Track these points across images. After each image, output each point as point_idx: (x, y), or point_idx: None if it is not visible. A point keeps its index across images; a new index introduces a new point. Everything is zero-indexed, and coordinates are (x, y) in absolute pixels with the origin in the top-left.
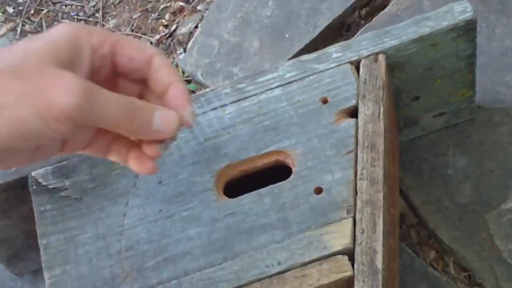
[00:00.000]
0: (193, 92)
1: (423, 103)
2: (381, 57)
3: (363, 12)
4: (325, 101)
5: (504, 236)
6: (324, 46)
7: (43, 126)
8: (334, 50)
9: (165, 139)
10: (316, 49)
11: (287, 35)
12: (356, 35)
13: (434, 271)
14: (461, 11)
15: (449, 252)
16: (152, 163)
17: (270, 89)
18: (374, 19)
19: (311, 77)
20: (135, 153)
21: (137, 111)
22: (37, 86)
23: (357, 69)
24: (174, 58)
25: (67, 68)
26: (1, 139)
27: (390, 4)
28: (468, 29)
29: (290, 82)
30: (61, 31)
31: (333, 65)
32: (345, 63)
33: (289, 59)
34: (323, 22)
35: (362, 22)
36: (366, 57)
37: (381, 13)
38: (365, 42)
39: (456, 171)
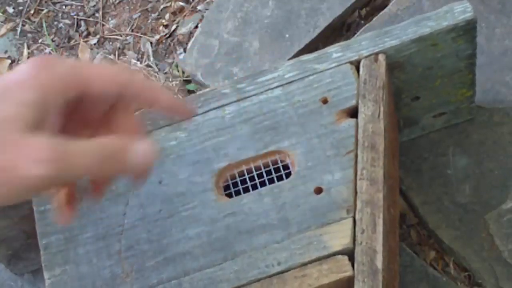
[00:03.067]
0: (193, 92)
1: (423, 103)
2: (381, 57)
3: (363, 12)
4: (325, 101)
5: (504, 236)
6: (324, 46)
7: (16, 198)
8: (334, 50)
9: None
10: (316, 49)
11: (287, 35)
12: (356, 35)
13: (434, 271)
14: (461, 11)
15: (449, 252)
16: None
17: (270, 89)
18: (374, 19)
19: (311, 77)
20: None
21: (112, 154)
22: (11, 159)
23: (357, 69)
24: (174, 58)
25: (39, 125)
26: None
27: (390, 4)
28: (468, 29)
29: (290, 82)
30: (27, 83)
31: (333, 65)
32: (345, 63)
33: (289, 59)
34: (323, 22)
35: (362, 22)
36: (366, 57)
37: (381, 13)
38: (365, 42)
39: (456, 171)
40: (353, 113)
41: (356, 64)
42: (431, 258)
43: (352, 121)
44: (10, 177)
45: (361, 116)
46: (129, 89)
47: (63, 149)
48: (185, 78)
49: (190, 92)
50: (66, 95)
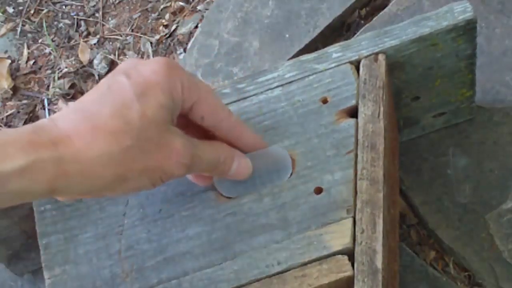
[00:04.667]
0: None
1: (423, 103)
2: (381, 57)
3: (363, 12)
4: (325, 101)
5: (504, 236)
6: (324, 46)
7: (152, 186)
8: (334, 50)
9: None
10: (316, 49)
11: (287, 35)
12: (356, 35)
13: (434, 271)
14: (461, 11)
15: (449, 252)
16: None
17: (270, 89)
18: (374, 19)
19: (311, 77)
20: None
21: (223, 161)
22: (156, 160)
23: (357, 69)
24: (174, 58)
25: (172, 125)
26: (111, 195)
27: (390, 4)
28: (468, 29)
29: (290, 82)
30: (164, 86)
31: (333, 65)
32: (345, 63)
33: (289, 59)
34: (323, 22)
35: (362, 22)
36: (366, 57)
37: (381, 13)
38: (365, 42)
39: (456, 171)
40: (353, 113)
41: (356, 64)
42: (431, 258)
43: (352, 121)
44: (156, 176)
45: (361, 116)
46: (222, 128)
47: (195, 151)
48: None
49: None
50: (184, 104)
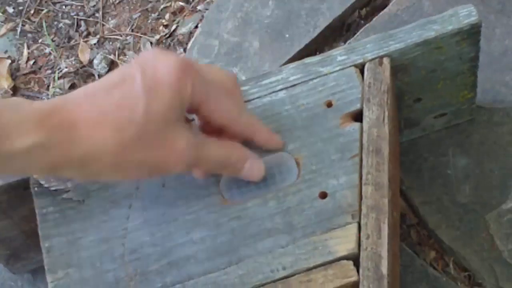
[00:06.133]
0: None
1: (425, 104)
2: (385, 61)
3: (363, 12)
4: (329, 104)
5: (504, 236)
6: (324, 46)
7: (148, 177)
8: (339, 53)
9: None
10: (316, 49)
11: (287, 35)
12: (356, 35)
13: (434, 271)
14: (466, 15)
15: (449, 252)
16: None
17: (274, 92)
18: (374, 19)
19: (315, 80)
20: None
21: (234, 162)
22: (156, 156)
23: (362, 72)
24: None
25: (179, 122)
26: (109, 180)
27: (390, 4)
28: (472, 33)
29: (294, 85)
30: (174, 86)
31: (337, 68)
32: (350, 66)
33: (289, 59)
34: (323, 22)
35: (362, 22)
36: (370, 60)
37: (381, 13)
38: (369, 45)
39: (456, 171)
40: (357, 116)
41: (361, 67)
42: (431, 258)
43: (356, 125)
44: (153, 170)
45: (365, 120)
46: (231, 127)
47: (200, 151)
48: None
49: None
50: (192, 103)
